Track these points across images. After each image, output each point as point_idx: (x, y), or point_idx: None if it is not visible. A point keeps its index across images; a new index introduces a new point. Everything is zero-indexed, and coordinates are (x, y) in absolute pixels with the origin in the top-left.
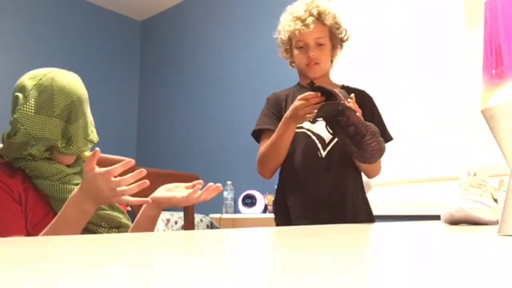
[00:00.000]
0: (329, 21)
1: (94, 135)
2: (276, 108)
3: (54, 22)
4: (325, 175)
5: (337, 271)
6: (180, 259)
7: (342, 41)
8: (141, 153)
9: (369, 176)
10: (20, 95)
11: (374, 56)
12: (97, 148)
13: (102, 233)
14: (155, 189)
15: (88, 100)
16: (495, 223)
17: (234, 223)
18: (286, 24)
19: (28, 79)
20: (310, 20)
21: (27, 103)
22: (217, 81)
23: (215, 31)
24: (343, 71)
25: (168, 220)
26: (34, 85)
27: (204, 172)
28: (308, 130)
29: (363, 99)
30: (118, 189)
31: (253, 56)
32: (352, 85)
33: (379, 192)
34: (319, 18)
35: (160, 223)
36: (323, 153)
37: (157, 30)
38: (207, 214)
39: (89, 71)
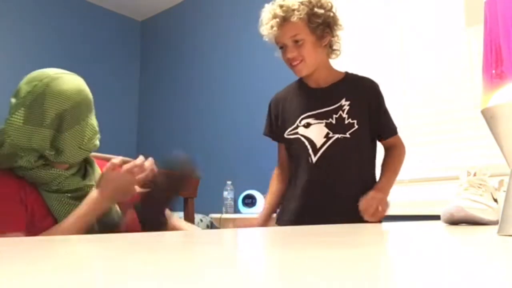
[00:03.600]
0: (297, 16)
1: (92, 143)
2: (275, 112)
3: (53, 22)
4: (316, 181)
5: (337, 271)
6: (180, 259)
7: (329, 27)
8: (141, 153)
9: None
10: (13, 100)
11: (373, 56)
12: (115, 160)
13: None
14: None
15: (92, 106)
16: (495, 223)
17: (234, 223)
18: (261, 30)
19: (25, 83)
20: (274, 22)
21: (17, 113)
22: (217, 81)
23: (215, 31)
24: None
25: None
26: (28, 92)
27: (204, 172)
28: (302, 135)
29: (366, 91)
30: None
31: (254, 55)
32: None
33: None
34: (286, 16)
35: None
36: (314, 159)
37: (157, 30)
38: (207, 214)
39: (89, 71)
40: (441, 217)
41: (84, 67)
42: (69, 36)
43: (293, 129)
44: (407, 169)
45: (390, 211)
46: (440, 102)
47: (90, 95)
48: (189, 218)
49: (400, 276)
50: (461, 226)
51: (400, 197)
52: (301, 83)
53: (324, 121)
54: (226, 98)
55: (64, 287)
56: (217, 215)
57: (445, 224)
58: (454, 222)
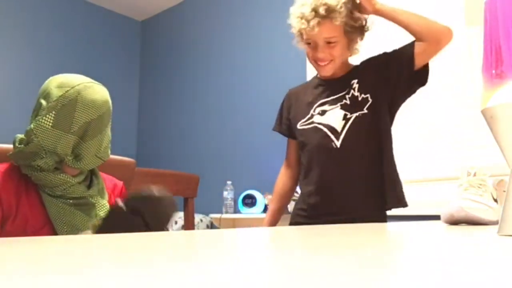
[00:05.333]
0: (339, 19)
1: (106, 153)
2: (287, 105)
3: (53, 22)
4: (342, 166)
5: (336, 272)
6: (179, 259)
7: (362, 31)
8: (141, 153)
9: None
10: (44, 103)
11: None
12: None
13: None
14: None
15: (111, 116)
16: (495, 223)
17: (234, 223)
18: (293, 20)
19: (55, 87)
20: (315, 21)
21: (47, 115)
22: (217, 81)
23: (215, 31)
24: None
25: None
26: (60, 96)
27: (204, 172)
28: (319, 123)
29: (368, 62)
30: None
31: (253, 55)
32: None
33: None
34: (328, 16)
35: None
36: (338, 143)
37: (157, 30)
38: (207, 214)
39: (89, 71)
40: (441, 217)
41: (84, 67)
42: (69, 36)
43: (307, 119)
44: (407, 169)
45: (390, 211)
46: (440, 102)
47: (111, 106)
48: (189, 218)
49: (400, 276)
50: (461, 226)
51: None
52: (314, 78)
53: (339, 104)
54: (226, 98)
55: (62, 286)
56: (217, 215)
57: (445, 224)
58: (454, 222)
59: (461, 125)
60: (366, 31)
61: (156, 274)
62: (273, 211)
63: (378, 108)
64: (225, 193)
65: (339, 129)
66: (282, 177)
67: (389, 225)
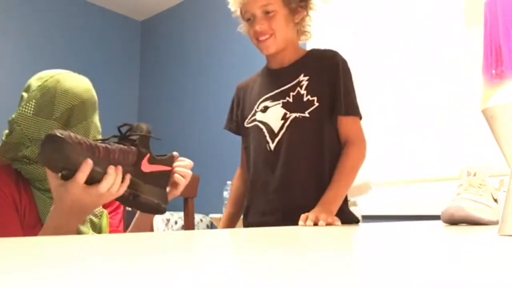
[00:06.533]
0: None
1: None
2: (237, 100)
3: (54, 22)
4: (274, 173)
5: (337, 272)
6: (179, 259)
7: (303, 0)
8: None
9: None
10: (25, 94)
11: (373, 56)
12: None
13: None
14: None
15: (97, 106)
16: (495, 223)
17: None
18: None
19: (35, 79)
20: None
21: (27, 104)
22: (217, 81)
23: (215, 31)
24: None
25: (168, 220)
26: (39, 86)
27: (204, 172)
28: (259, 121)
29: (325, 63)
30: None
31: (253, 55)
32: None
33: (379, 192)
34: None
35: (160, 223)
36: (272, 146)
37: (157, 30)
38: (207, 214)
39: (89, 71)
40: (441, 217)
41: (84, 67)
42: (69, 36)
43: (251, 116)
44: (407, 169)
45: (390, 211)
46: (440, 102)
47: (96, 96)
48: (189, 218)
49: (399, 276)
50: (461, 226)
51: (400, 197)
52: (264, 67)
53: (281, 101)
54: (226, 97)
55: (63, 286)
56: (217, 215)
57: (445, 224)
58: (454, 222)
59: (461, 125)
60: (309, 1)
61: (155, 274)
62: (227, 214)
63: (322, 115)
64: (225, 193)
65: (276, 130)
66: (235, 180)
67: (389, 225)
